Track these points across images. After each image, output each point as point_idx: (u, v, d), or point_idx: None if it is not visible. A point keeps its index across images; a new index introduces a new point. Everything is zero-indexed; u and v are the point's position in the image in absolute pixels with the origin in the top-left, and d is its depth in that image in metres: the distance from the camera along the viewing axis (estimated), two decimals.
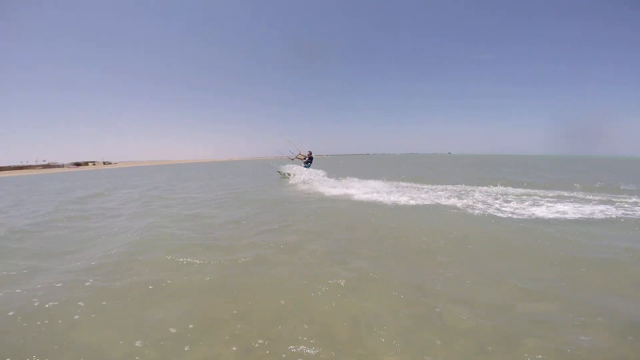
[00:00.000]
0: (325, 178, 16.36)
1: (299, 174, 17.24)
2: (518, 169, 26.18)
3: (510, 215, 7.51)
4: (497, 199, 9.65)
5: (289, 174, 18.28)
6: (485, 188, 11.83)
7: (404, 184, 13.97)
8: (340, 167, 33.52)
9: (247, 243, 5.79)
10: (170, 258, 4.93)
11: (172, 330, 3.06)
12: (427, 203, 9.27)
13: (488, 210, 8.00)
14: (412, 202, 9.43)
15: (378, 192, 11.38)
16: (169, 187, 17.98)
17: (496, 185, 12.22)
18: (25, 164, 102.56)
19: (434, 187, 12.82)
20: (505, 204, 8.74)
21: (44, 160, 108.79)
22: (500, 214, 7.59)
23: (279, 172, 19.77)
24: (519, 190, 11.08)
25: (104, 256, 5.14)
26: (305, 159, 18.35)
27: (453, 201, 9.40)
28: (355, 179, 15.74)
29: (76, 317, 3.34)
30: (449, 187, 12.62)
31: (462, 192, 11.22)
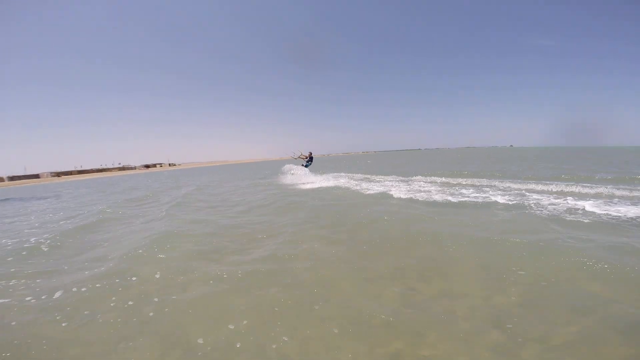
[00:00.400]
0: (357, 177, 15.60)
1: (302, 173, 19.73)
2: (577, 162, 22.67)
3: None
4: (586, 199, 8.02)
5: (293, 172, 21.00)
6: (578, 187, 10.06)
7: (457, 181, 12.57)
8: (386, 164, 32.14)
9: (289, 253, 5.27)
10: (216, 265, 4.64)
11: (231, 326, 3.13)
12: (486, 201, 8.03)
13: (576, 214, 6.58)
14: (466, 200, 8.25)
15: (424, 191, 10.30)
16: (214, 189, 18.46)
17: (574, 183, 10.36)
18: (104, 166, 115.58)
19: (494, 182, 11.27)
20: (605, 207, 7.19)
21: (119, 163, 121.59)
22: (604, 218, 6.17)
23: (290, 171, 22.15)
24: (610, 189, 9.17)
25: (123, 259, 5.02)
26: (306, 158, 21.55)
27: (519, 200, 8.03)
28: (400, 177, 14.68)
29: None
30: (514, 184, 10.98)
31: (524, 189, 9.64)
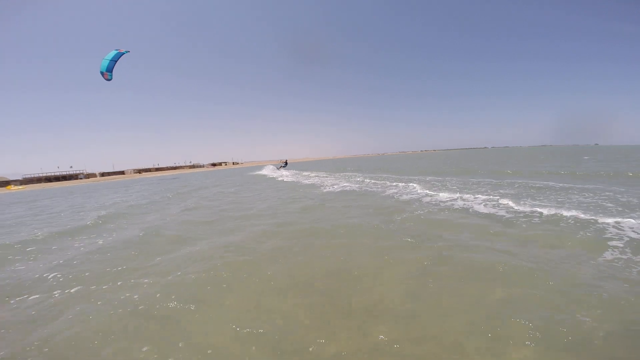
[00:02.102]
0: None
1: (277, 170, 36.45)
2: None
3: None
4: None
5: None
6: None
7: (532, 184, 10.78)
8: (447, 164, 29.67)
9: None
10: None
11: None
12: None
13: None
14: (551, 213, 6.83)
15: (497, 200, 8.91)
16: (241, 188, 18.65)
17: None
18: (177, 164, 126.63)
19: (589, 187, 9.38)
20: None
21: (190, 162, 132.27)
22: None
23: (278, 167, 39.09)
24: None
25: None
26: (283, 163, 37.68)
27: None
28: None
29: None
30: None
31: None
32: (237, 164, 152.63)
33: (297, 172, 31.96)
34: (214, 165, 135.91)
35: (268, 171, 35.97)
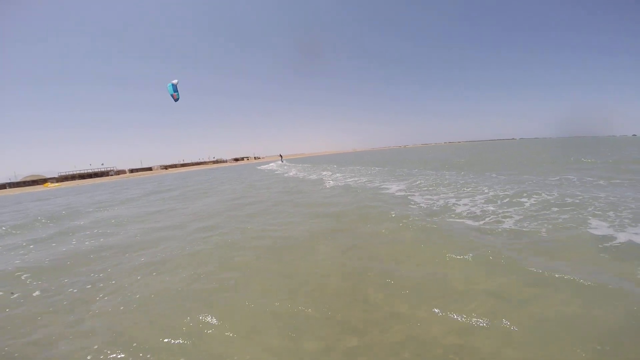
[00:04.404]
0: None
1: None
2: None
3: None
4: None
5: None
6: None
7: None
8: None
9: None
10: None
11: None
12: None
13: None
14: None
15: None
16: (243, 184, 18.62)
17: None
18: (201, 160, 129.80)
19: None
20: None
21: (214, 157, 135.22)
22: None
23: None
24: None
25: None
26: (281, 157, 63.51)
27: None
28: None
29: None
30: None
31: None
32: (258, 158, 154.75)
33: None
34: (236, 160, 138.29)
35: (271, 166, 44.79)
